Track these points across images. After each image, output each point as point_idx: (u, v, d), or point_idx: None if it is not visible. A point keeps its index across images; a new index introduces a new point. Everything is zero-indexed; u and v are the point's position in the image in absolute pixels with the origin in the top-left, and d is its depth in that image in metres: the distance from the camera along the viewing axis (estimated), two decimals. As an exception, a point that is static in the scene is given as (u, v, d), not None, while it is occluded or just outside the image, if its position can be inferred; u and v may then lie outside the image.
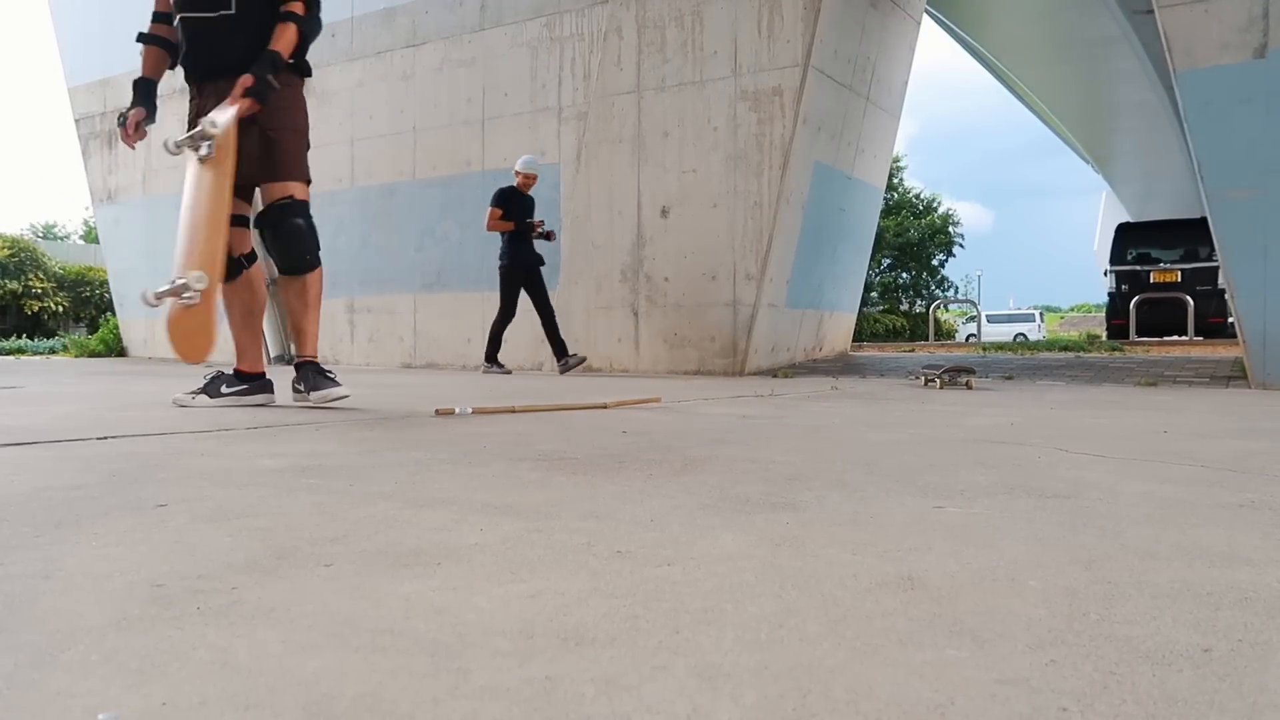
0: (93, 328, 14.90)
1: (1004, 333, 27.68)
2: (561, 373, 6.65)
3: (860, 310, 12.43)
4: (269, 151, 3.24)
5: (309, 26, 3.28)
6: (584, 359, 6.80)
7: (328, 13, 9.85)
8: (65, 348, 11.70)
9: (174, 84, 11.42)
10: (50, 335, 15.35)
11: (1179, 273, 13.79)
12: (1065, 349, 10.39)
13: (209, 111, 3.11)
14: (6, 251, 16.77)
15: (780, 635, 0.81)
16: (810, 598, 0.93)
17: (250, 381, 3.49)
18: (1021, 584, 0.98)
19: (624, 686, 0.69)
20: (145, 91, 3.36)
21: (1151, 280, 13.96)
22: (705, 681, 0.70)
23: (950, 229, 30.07)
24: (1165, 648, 0.78)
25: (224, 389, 3.44)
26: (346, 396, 3.37)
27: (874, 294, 28.00)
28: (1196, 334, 11.62)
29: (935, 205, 30.75)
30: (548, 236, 6.86)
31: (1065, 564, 1.07)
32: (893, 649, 0.78)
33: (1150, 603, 0.91)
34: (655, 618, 0.86)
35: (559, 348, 6.73)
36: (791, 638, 0.81)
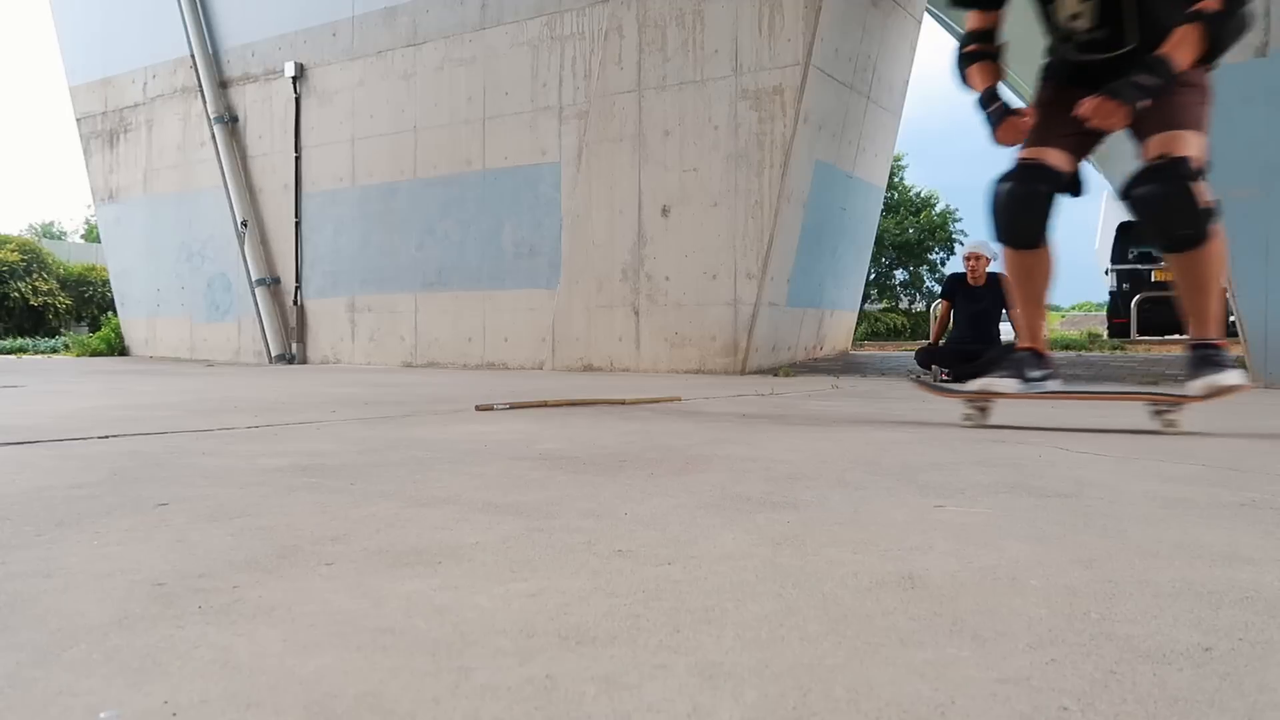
0: (94, 327, 14.92)
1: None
2: None
3: (861, 309, 12.43)
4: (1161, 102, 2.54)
5: (1220, 31, 2.52)
6: None
7: (329, 11, 9.82)
8: (67, 347, 11.71)
9: (175, 84, 11.31)
10: (53, 334, 15.39)
11: (1181, 272, 13.75)
12: (1067, 347, 10.38)
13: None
14: (16, 255, 16.85)
15: (781, 634, 0.81)
16: (811, 597, 0.93)
17: (1049, 367, 2.91)
18: (1022, 583, 0.98)
19: (625, 685, 0.69)
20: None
21: (1153, 279, 13.92)
22: (706, 680, 0.70)
23: (950, 225, 29.89)
24: (1166, 647, 0.78)
25: (1029, 373, 2.83)
26: (1238, 387, 2.58)
27: (872, 292, 27.91)
28: (1198, 333, 11.57)
29: (933, 203, 30.61)
30: None
31: (1066, 563, 1.07)
32: (893, 648, 0.78)
33: (1151, 602, 0.91)
34: (656, 617, 0.86)
35: None
36: (792, 637, 0.81)
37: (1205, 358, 2.62)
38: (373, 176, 8.55)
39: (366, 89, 8.57)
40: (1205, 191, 2.51)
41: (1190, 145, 2.52)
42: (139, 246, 10.27)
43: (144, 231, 10.20)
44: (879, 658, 0.75)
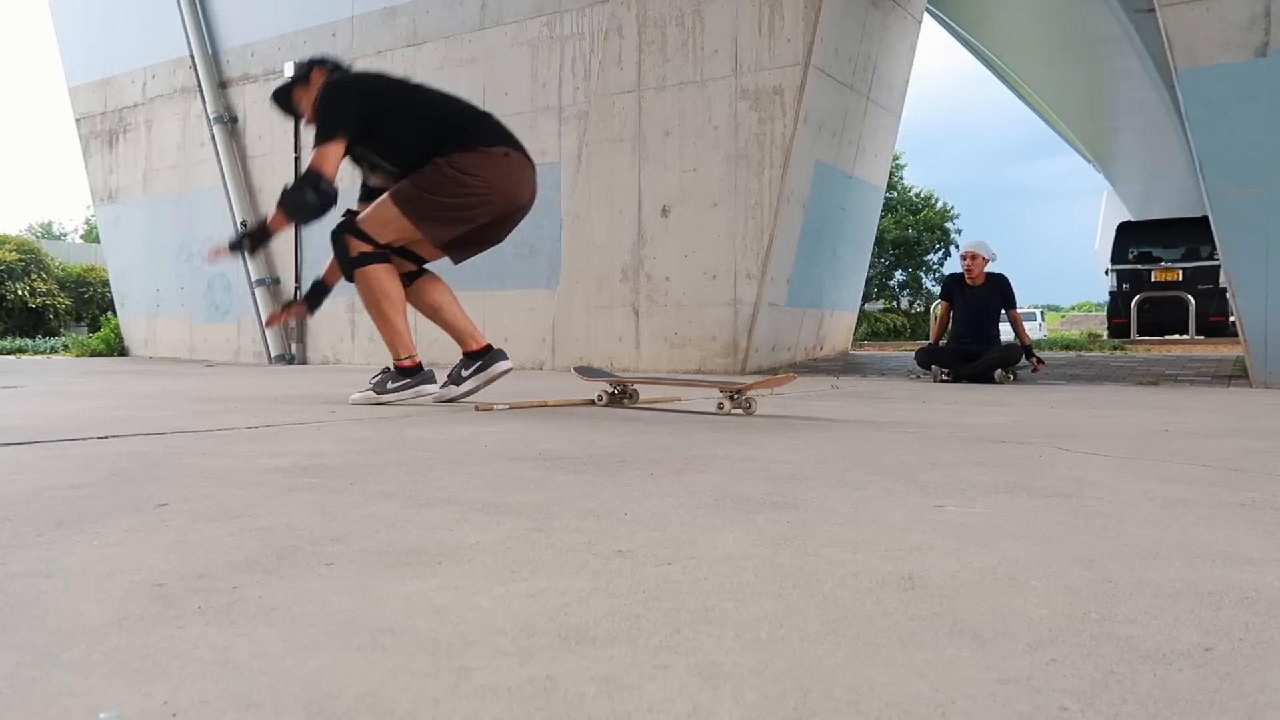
0: (94, 327, 14.92)
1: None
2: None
3: (860, 309, 12.44)
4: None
5: (287, 203, 3.42)
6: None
7: (329, 12, 9.77)
8: (66, 347, 11.71)
9: (174, 84, 11.30)
10: (53, 335, 15.40)
11: (1180, 271, 13.78)
12: (1067, 348, 10.39)
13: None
14: (14, 255, 16.86)
15: (781, 634, 0.81)
16: (811, 597, 0.93)
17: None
18: (1022, 583, 0.98)
19: (625, 686, 0.69)
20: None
21: (1153, 279, 13.94)
22: (706, 681, 0.70)
23: (949, 224, 29.93)
24: (1166, 647, 0.78)
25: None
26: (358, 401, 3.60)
27: (872, 291, 27.93)
28: (1198, 333, 11.62)
29: (933, 201, 30.66)
30: None
31: (1066, 563, 1.07)
32: (893, 648, 0.78)
33: (1151, 602, 0.91)
34: (656, 617, 0.86)
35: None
36: (792, 637, 0.81)
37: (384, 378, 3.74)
38: (373, 176, 8.55)
39: (366, 89, 8.56)
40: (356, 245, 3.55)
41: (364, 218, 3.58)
42: (138, 247, 10.26)
43: (143, 232, 10.19)
44: (879, 658, 0.75)
